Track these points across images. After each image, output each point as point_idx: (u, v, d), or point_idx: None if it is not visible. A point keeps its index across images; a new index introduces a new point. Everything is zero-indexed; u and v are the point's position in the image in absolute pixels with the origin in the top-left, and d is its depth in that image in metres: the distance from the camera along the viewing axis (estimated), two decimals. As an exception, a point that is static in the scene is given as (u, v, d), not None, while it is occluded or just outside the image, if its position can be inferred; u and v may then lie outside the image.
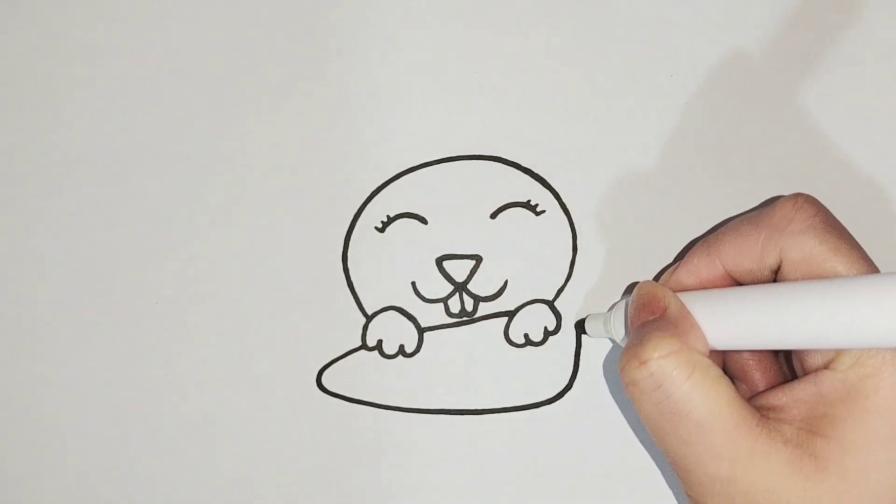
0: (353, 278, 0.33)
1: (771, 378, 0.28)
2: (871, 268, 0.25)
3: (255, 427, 0.33)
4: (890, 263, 0.31)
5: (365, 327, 0.33)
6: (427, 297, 0.33)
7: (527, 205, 0.33)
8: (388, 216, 0.33)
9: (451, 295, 0.33)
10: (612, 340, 0.31)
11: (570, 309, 0.33)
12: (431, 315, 0.33)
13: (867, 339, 0.23)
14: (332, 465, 0.32)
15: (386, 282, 0.33)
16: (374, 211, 0.33)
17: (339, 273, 0.33)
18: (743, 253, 0.26)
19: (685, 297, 0.27)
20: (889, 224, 0.33)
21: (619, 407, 0.32)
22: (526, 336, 0.33)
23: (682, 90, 0.33)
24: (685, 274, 0.28)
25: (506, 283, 0.33)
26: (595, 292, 0.33)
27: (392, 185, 0.33)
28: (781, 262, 0.25)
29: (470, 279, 0.33)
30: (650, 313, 0.26)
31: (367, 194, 0.33)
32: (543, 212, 0.33)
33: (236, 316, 0.33)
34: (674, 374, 0.24)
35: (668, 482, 0.32)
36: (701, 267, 0.27)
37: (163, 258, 0.33)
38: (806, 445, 0.24)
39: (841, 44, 0.33)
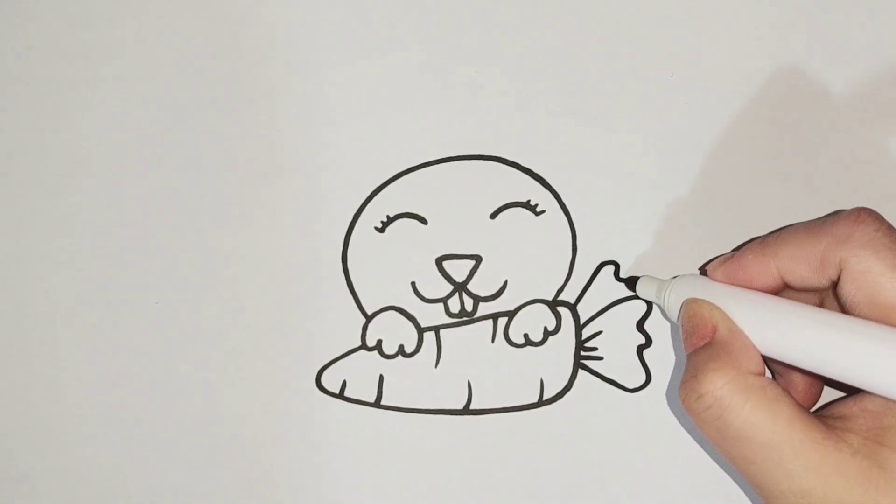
0: (352, 278, 0.33)
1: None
2: None
3: (255, 427, 0.33)
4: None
5: (364, 327, 0.33)
6: (427, 297, 0.33)
7: (527, 205, 0.33)
8: (388, 216, 0.33)
9: (450, 295, 0.33)
10: (659, 307, 0.31)
11: (572, 306, 0.33)
12: (431, 315, 0.33)
13: None
14: (331, 464, 0.32)
15: (386, 282, 0.33)
16: (374, 211, 0.33)
17: (338, 273, 0.33)
18: (801, 260, 0.26)
19: (740, 298, 0.27)
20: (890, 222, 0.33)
21: (619, 407, 0.32)
22: (526, 336, 0.33)
23: (682, 90, 0.33)
24: (736, 268, 0.28)
25: (506, 283, 0.33)
26: (595, 292, 0.33)
27: (392, 185, 0.33)
28: (841, 273, 0.25)
29: (470, 279, 0.33)
30: (700, 338, 0.27)
31: (367, 194, 0.33)
32: (543, 212, 0.33)
33: (236, 316, 0.33)
34: (732, 402, 0.24)
35: (667, 482, 0.32)
36: (754, 265, 0.27)
37: (163, 258, 0.33)
38: (874, 456, 0.24)
39: (841, 44, 0.33)
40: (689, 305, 0.28)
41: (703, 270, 0.32)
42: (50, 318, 0.34)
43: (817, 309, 0.25)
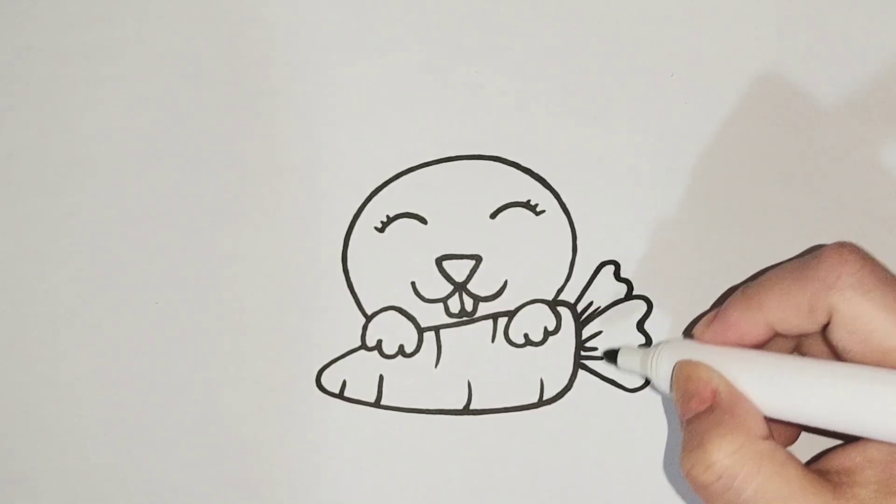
0: (352, 278, 0.33)
1: None
2: None
3: (255, 427, 0.33)
4: None
5: (364, 327, 0.33)
6: (427, 297, 0.33)
7: (527, 205, 0.33)
8: (387, 216, 0.33)
9: (450, 295, 0.33)
10: (647, 378, 0.30)
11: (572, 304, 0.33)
12: (431, 315, 0.33)
13: None
14: (331, 465, 0.32)
15: (385, 282, 0.33)
16: (373, 211, 0.33)
17: (338, 273, 0.33)
18: (789, 309, 0.25)
19: (737, 359, 0.26)
20: (890, 222, 0.33)
21: (619, 407, 0.32)
22: (526, 336, 0.33)
23: (682, 90, 0.33)
24: (723, 328, 0.27)
25: (506, 283, 0.33)
26: (595, 292, 0.33)
27: (392, 184, 0.33)
28: (832, 317, 0.24)
29: (470, 279, 0.33)
30: (700, 402, 0.25)
31: (367, 194, 0.33)
32: (543, 212, 0.33)
33: (236, 316, 0.33)
34: (743, 472, 0.23)
35: (667, 482, 0.32)
36: (741, 321, 0.26)
37: (163, 258, 0.33)
38: None
39: (841, 44, 0.33)
40: (684, 368, 0.27)
41: (687, 334, 0.32)
42: (50, 318, 0.34)
43: (820, 362, 0.24)
